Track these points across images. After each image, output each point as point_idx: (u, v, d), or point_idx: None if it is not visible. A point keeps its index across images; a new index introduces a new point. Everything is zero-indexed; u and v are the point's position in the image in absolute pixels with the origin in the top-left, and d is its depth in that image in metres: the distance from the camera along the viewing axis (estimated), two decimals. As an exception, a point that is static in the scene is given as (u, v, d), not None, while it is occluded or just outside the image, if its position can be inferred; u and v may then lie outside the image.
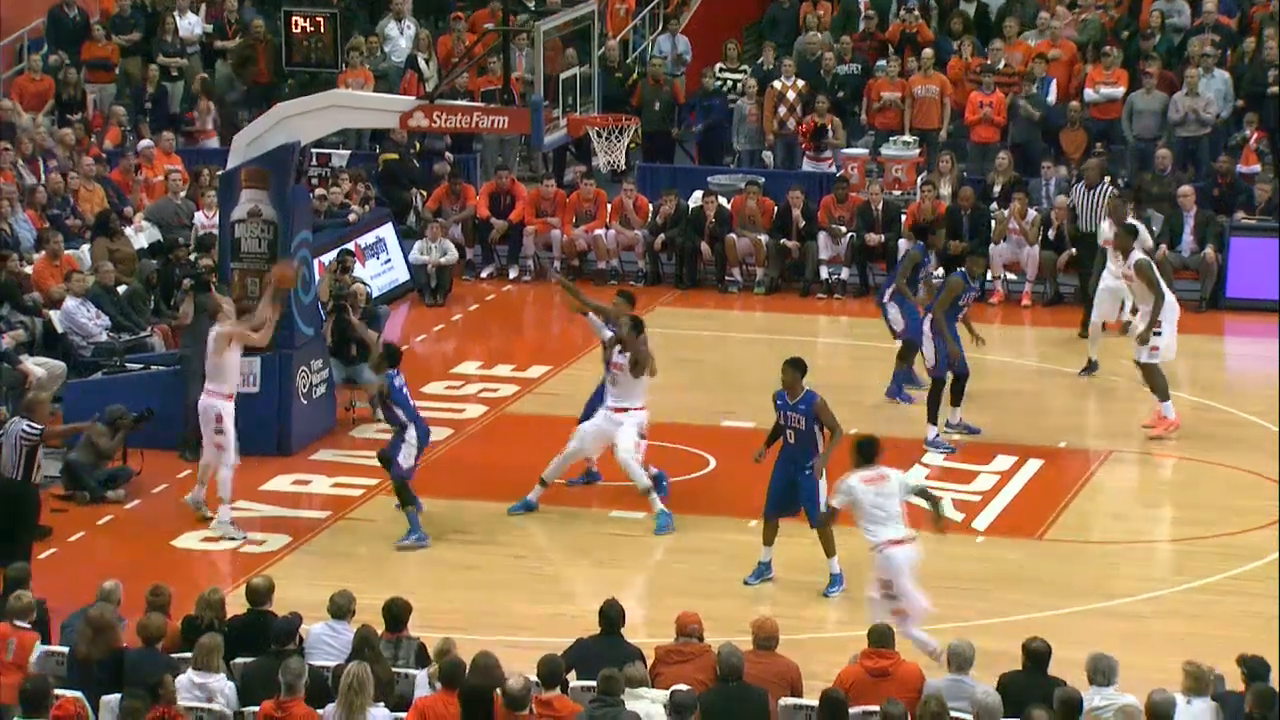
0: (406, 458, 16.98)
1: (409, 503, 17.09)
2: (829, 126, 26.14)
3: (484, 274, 25.67)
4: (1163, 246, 23.87)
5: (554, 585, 16.30)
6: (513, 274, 25.56)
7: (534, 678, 11.75)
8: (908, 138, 26.07)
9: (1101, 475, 18.85)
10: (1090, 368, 21.20)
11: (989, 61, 26.51)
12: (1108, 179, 23.36)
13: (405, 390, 17.15)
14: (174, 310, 21.10)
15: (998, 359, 22.69)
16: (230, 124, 25.79)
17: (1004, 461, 19.10)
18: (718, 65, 27.45)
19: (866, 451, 14.48)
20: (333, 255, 22.43)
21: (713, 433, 19.79)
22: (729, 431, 19.80)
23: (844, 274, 24.86)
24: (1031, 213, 24.22)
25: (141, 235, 23.79)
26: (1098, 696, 11.79)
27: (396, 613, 12.84)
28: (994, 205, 24.62)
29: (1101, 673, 11.91)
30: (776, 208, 25.01)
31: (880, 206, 24.78)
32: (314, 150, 25.03)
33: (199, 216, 23.98)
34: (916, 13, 27.57)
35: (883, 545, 14.17)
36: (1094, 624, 15.27)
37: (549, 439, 19.84)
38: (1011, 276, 24.47)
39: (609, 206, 25.44)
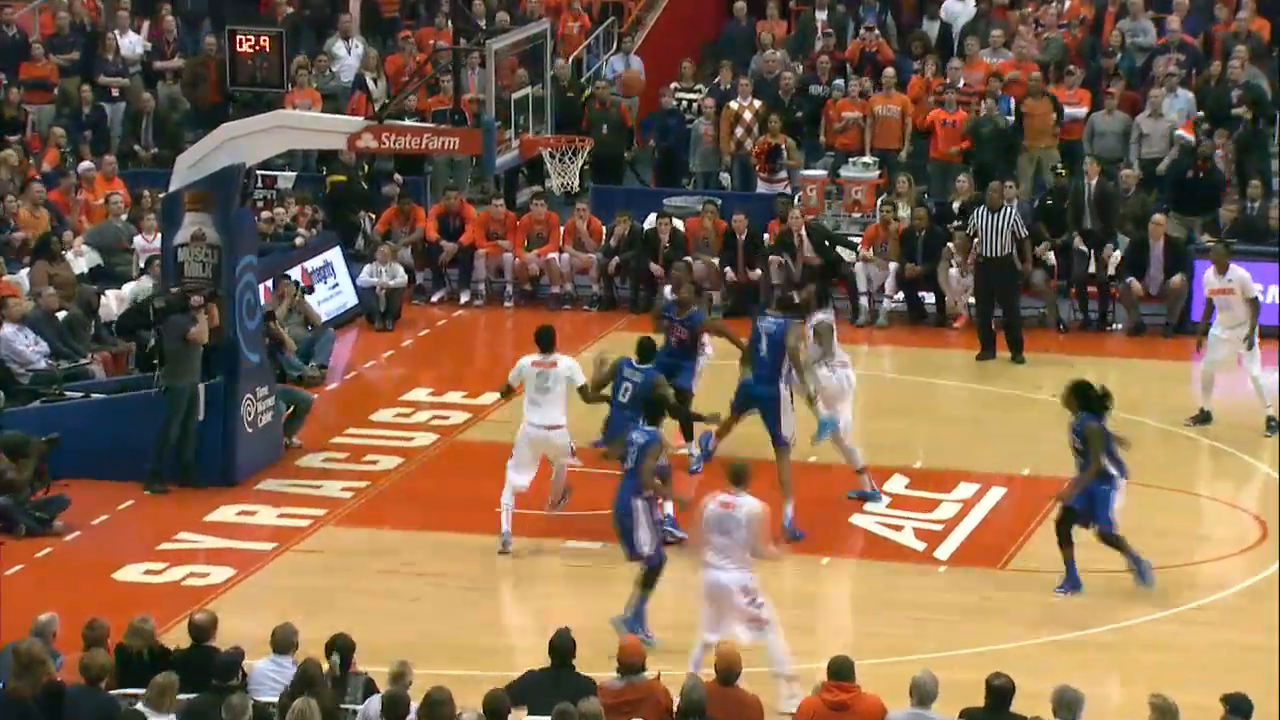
0: None
1: None
2: (783, 147, 26.18)
3: (434, 298, 25.63)
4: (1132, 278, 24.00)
5: (506, 617, 16.27)
6: (464, 298, 25.51)
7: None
8: (867, 159, 26.13)
9: (1066, 503, 18.88)
10: (1203, 418, 20.69)
11: (948, 80, 26.61)
12: (1013, 204, 23.29)
13: None
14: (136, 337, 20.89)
15: (961, 385, 22.78)
16: (174, 145, 25.72)
17: (966, 489, 19.14)
18: (673, 85, 27.48)
19: (543, 340, 17.40)
20: (269, 283, 22.36)
21: (670, 459, 19.71)
22: (686, 459, 19.75)
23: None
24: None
25: (81, 260, 23.69)
26: None
27: (340, 648, 12.80)
28: (955, 223, 24.68)
29: (1066, 706, 11.92)
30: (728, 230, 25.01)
31: (802, 231, 24.61)
32: (259, 172, 24.97)
33: (139, 240, 23.91)
34: (876, 32, 27.66)
35: (530, 424, 17.14)
36: (1058, 655, 15.30)
37: (501, 468, 19.84)
38: (973, 301, 24.52)
39: (561, 230, 25.44)
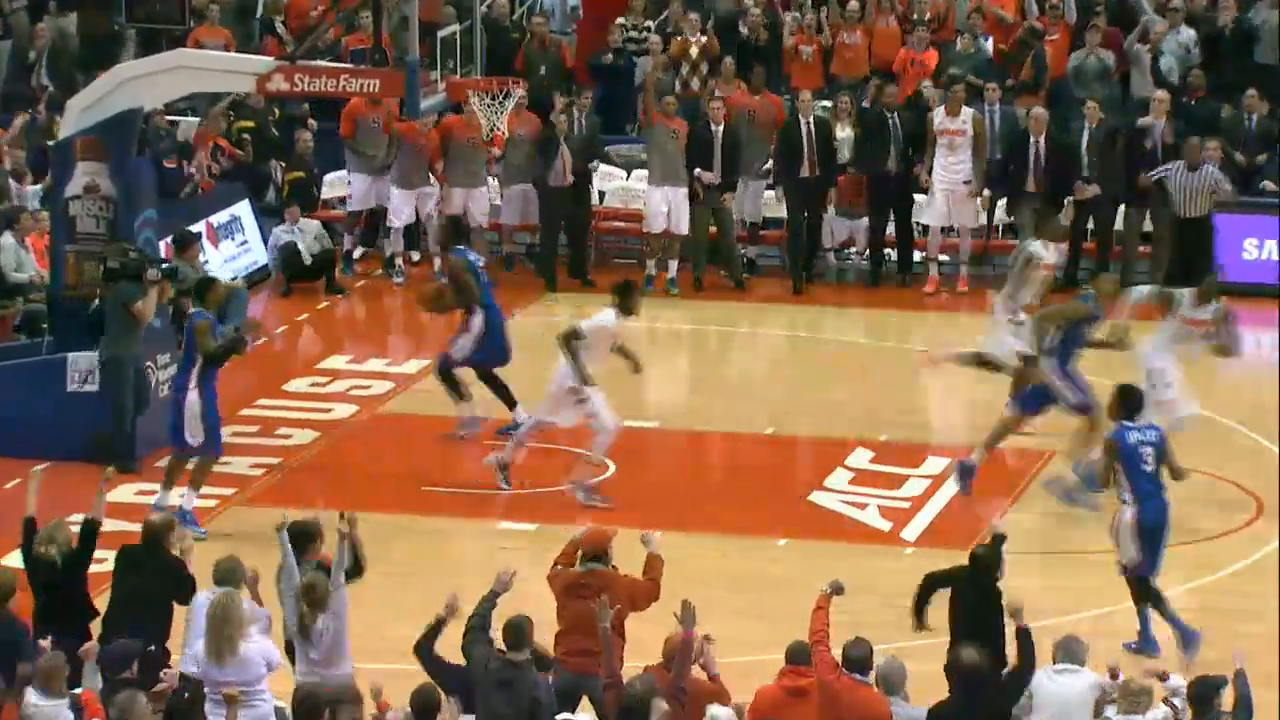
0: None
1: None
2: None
3: (356, 256, 25.44)
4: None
5: (435, 605, 16.21)
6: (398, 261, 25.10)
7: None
8: (826, 103, 26.05)
9: (1044, 478, 18.96)
10: None
11: (914, 15, 26.55)
12: (1211, 163, 23.19)
13: None
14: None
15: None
16: (68, 87, 25.47)
17: (935, 464, 19.19)
18: (619, 20, 27.32)
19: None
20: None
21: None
22: (630, 432, 19.79)
23: (752, 252, 24.90)
24: (966, 113, 24.08)
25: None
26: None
27: (309, 531, 13.47)
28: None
29: (1069, 653, 12.53)
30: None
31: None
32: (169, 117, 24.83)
33: (17, 191, 23.53)
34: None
35: None
36: (1037, 642, 15.35)
37: (428, 441, 19.83)
38: (944, 258, 24.57)
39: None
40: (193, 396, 17.49)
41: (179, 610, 13.62)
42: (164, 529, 13.82)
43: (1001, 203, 24.71)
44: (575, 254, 24.61)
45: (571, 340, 17.86)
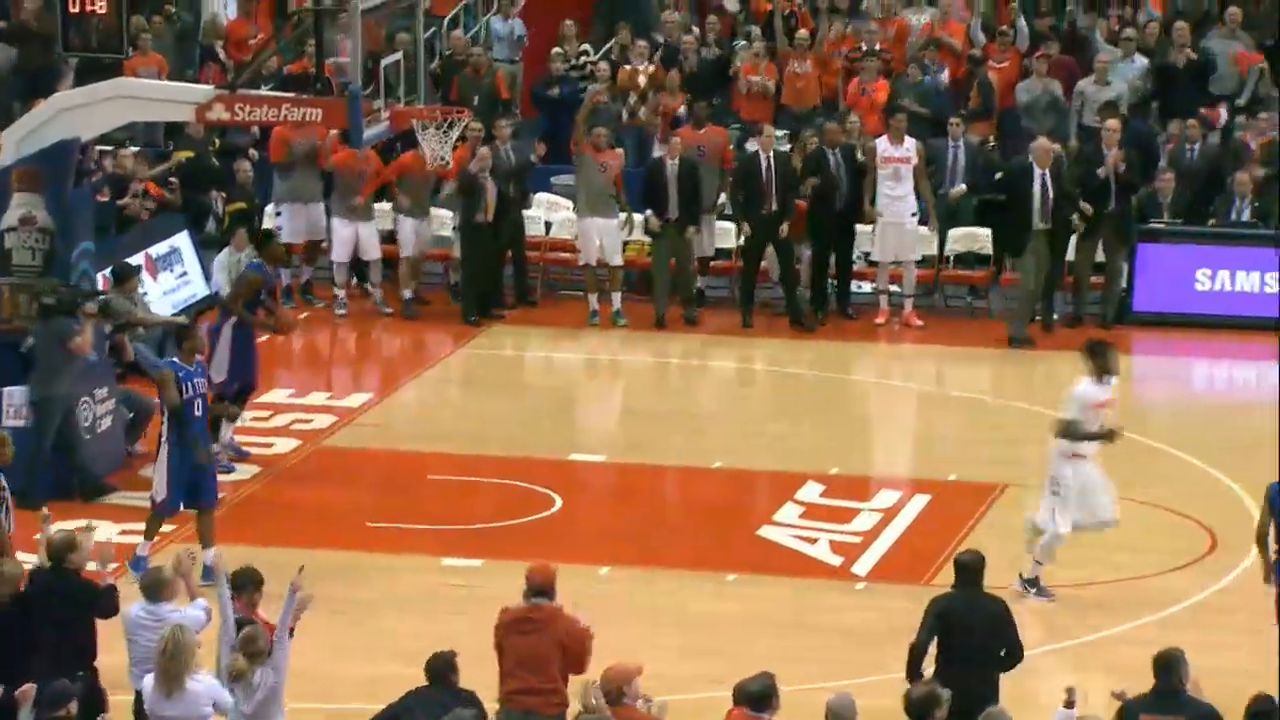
0: None
1: None
2: (682, 113, 25.99)
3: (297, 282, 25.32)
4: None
5: (381, 643, 16.28)
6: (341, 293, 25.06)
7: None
8: (779, 133, 26.17)
9: (997, 512, 19.07)
10: None
11: (864, 45, 26.65)
12: None
13: None
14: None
15: (881, 381, 22.91)
16: (3, 116, 25.45)
17: (887, 497, 19.27)
18: (555, 50, 27.33)
19: None
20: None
21: (558, 468, 19.83)
22: (577, 466, 19.87)
23: (700, 283, 24.94)
24: (910, 142, 23.96)
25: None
26: None
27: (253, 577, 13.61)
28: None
29: None
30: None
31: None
32: (98, 147, 24.81)
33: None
34: (798, -6, 27.56)
35: None
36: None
37: (371, 476, 19.86)
38: (894, 288, 24.62)
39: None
40: (163, 452, 17.45)
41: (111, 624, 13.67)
42: (64, 548, 13.79)
43: (956, 232, 24.79)
44: (493, 288, 24.48)
45: (1069, 431, 17.20)
